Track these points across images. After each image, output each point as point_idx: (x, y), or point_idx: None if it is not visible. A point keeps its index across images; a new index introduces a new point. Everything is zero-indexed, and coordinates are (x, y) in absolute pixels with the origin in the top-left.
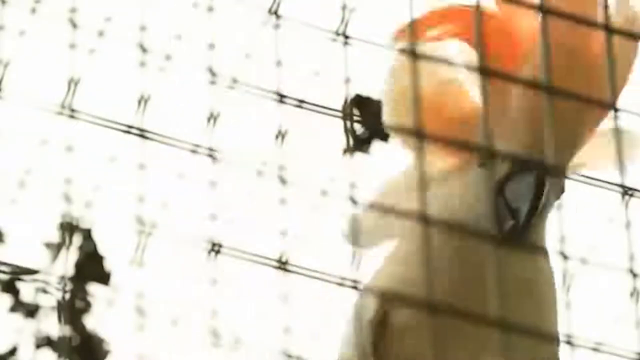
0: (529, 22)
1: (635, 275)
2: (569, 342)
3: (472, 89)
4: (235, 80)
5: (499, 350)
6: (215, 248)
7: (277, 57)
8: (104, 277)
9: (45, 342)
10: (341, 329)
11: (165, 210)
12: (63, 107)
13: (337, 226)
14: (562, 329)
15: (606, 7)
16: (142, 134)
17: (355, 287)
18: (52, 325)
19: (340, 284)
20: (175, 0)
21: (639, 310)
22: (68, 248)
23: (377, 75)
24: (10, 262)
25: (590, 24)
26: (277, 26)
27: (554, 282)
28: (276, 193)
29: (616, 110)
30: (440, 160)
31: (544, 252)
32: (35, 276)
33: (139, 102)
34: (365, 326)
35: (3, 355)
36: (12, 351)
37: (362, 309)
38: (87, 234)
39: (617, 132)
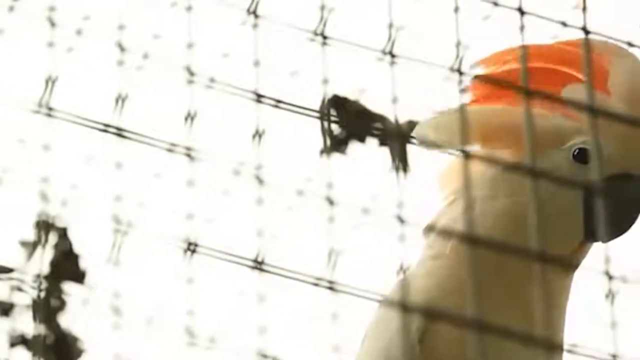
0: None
1: (610, 277)
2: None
3: None
4: (213, 80)
5: None
6: (192, 247)
7: (255, 56)
8: (79, 276)
9: (19, 340)
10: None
11: (141, 210)
12: (40, 105)
13: (313, 226)
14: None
15: (584, 9)
16: (120, 132)
17: (331, 288)
18: (26, 323)
19: (316, 284)
20: None
21: (614, 312)
22: (44, 246)
23: (355, 76)
24: None
25: None
26: (255, 26)
27: None
28: (253, 193)
29: None
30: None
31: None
32: (11, 274)
33: (117, 101)
34: (410, 342)
35: None
36: None
37: (405, 325)
38: (62, 233)
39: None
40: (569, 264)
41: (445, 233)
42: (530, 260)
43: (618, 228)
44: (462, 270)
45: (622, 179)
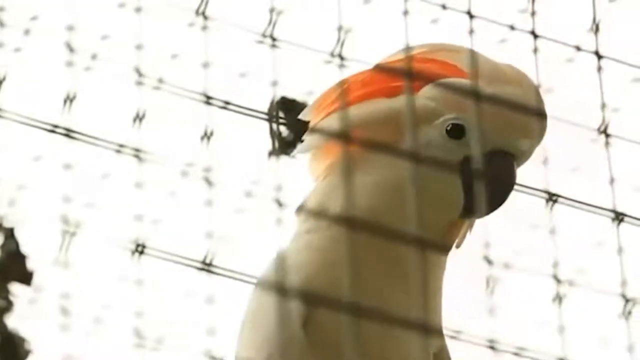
0: None
1: (558, 281)
2: (492, 347)
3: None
4: (161, 81)
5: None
6: (140, 248)
7: (204, 58)
8: (26, 277)
9: None
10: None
11: (90, 210)
12: None
13: (261, 228)
14: (485, 333)
15: (533, 14)
16: (68, 133)
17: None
18: None
19: None
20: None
21: (562, 315)
22: None
23: (303, 78)
24: None
25: None
26: (204, 27)
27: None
28: (202, 194)
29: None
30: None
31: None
32: None
33: (65, 102)
34: (296, 328)
35: None
36: None
37: (287, 311)
38: (10, 233)
39: None
40: (443, 243)
41: (319, 210)
42: (403, 240)
43: (491, 204)
44: (336, 244)
45: (494, 155)
